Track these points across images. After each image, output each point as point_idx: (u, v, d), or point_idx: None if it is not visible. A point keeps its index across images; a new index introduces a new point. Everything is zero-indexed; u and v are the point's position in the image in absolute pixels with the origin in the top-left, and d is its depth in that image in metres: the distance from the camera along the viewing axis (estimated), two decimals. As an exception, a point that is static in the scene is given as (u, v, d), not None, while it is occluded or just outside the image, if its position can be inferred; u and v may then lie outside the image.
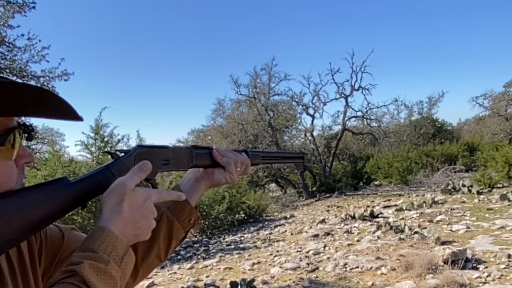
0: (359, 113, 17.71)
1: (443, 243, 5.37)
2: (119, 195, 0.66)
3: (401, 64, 39.56)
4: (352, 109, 17.53)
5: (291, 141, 19.38)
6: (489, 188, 9.80)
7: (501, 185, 10.36)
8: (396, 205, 9.52)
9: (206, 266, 6.09)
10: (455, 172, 13.93)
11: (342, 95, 17.31)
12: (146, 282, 5.35)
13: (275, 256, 6.09)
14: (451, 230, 6.30)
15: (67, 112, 0.66)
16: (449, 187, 10.15)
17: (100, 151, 7.72)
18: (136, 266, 0.88)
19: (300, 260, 5.56)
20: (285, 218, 10.55)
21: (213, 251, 7.32)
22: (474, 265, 4.42)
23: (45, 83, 7.20)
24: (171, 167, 0.87)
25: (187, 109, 49.24)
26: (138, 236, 0.67)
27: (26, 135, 0.68)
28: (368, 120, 18.15)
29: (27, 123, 0.69)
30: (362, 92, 17.17)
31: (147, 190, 0.70)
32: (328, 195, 14.61)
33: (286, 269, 5.21)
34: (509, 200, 7.89)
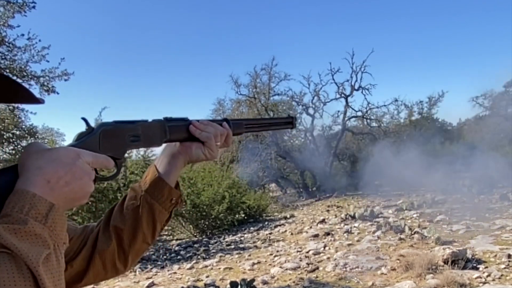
0: (359, 113, 17.72)
1: (443, 243, 5.37)
2: (37, 152, 0.60)
3: (401, 63, 39.52)
4: (352, 109, 17.55)
5: (291, 141, 19.38)
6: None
7: (501, 185, 10.36)
8: (396, 205, 9.53)
9: (206, 266, 6.08)
10: (455, 172, 13.93)
11: (342, 95, 17.32)
12: (146, 282, 5.35)
13: (275, 256, 6.09)
14: (451, 230, 6.30)
15: (24, 95, 0.63)
16: (449, 187, 10.15)
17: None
18: (124, 253, 0.86)
19: (300, 260, 5.56)
20: (285, 218, 10.55)
21: (213, 251, 7.32)
22: (474, 265, 4.42)
23: (45, 83, 7.20)
24: (141, 143, 0.80)
25: (187, 108, 49.26)
26: (74, 199, 0.61)
27: None
28: (368, 120, 18.15)
29: None
30: (362, 92, 17.19)
31: (76, 150, 0.63)
32: (328, 195, 14.62)
33: (286, 269, 5.21)
34: (509, 200, 7.89)
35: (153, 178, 0.87)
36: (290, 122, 1.14)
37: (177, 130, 0.86)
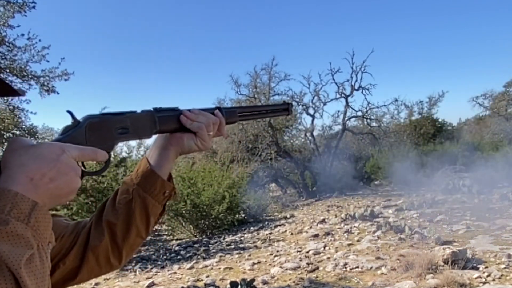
0: (359, 113, 17.70)
1: (443, 243, 5.37)
2: (20, 148, 0.58)
3: (401, 63, 39.58)
4: (352, 109, 17.53)
5: (291, 141, 19.37)
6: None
7: (501, 185, 10.36)
8: (396, 205, 9.52)
9: (206, 266, 6.09)
10: (455, 172, 13.93)
11: (342, 95, 17.30)
12: (146, 282, 5.35)
13: (275, 256, 6.09)
14: (451, 230, 6.30)
15: (3, 89, 0.61)
16: (449, 187, 10.15)
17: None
18: (118, 248, 0.84)
19: (300, 260, 5.55)
20: (285, 218, 10.54)
21: (213, 251, 7.32)
22: (474, 265, 4.42)
23: (45, 83, 7.20)
24: (130, 136, 0.77)
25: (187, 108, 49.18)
26: (59, 196, 0.59)
27: None
28: (368, 120, 18.14)
29: None
30: (362, 92, 17.16)
31: (61, 144, 0.62)
32: (328, 195, 14.61)
33: (286, 269, 5.21)
34: (509, 200, 7.89)
35: (144, 170, 0.85)
36: (286, 108, 1.09)
37: (168, 121, 0.83)
